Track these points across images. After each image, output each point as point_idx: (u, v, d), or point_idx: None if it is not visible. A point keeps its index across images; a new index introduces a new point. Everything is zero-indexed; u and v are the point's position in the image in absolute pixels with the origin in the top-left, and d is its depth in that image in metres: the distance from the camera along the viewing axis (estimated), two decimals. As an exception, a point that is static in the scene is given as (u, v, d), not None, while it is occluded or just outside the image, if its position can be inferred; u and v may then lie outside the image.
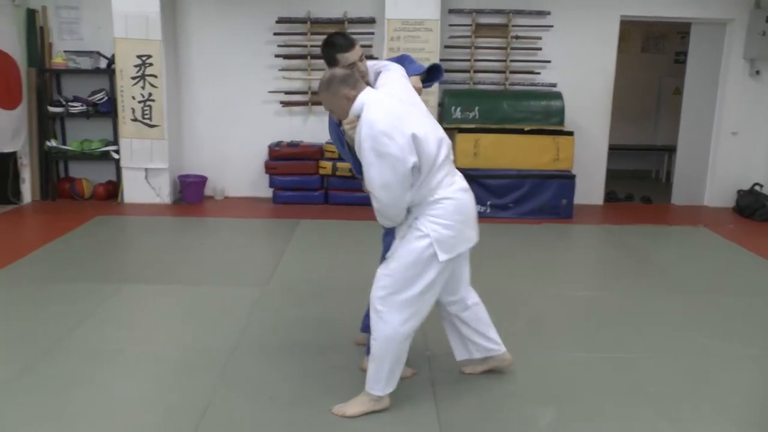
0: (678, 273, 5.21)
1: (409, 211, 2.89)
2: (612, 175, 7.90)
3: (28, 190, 7.25)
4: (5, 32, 6.73)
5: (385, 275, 2.89)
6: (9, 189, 7.03)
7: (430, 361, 3.52)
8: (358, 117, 2.79)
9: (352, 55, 3.05)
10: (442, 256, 2.83)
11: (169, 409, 3.03)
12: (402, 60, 3.34)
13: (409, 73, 3.20)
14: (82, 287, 4.54)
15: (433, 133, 2.85)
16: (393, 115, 2.76)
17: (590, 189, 7.50)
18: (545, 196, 6.84)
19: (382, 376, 2.91)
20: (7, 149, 6.80)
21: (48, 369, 3.37)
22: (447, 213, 2.84)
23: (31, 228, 6.51)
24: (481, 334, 3.23)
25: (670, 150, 9.04)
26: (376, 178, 2.75)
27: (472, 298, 3.23)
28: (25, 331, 3.82)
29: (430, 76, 3.36)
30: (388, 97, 2.87)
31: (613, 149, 7.72)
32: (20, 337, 3.74)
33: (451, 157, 2.97)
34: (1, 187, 6.93)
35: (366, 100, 2.80)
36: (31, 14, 7.20)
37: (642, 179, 9.45)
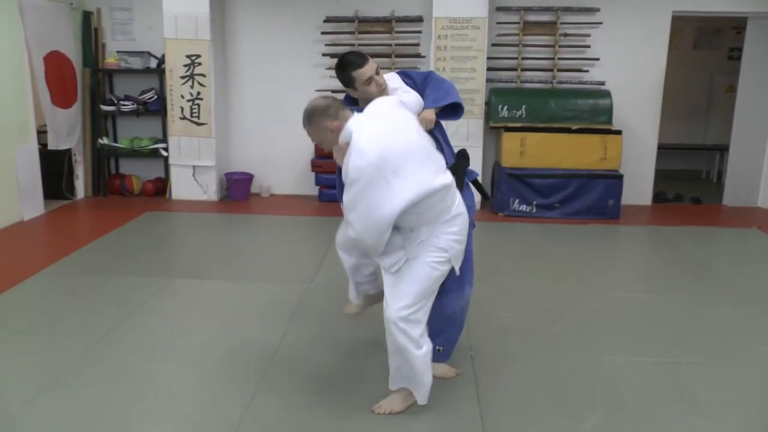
0: (731, 277, 5.06)
1: (411, 229, 2.79)
2: (661, 175, 7.74)
3: (81, 186, 7.46)
4: (63, 35, 6.94)
5: (407, 294, 2.77)
6: (64, 185, 7.24)
7: (473, 361, 3.50)
8: (347, 144, 2.71)
9: (368, 70, 2.98)
10: (457, 267, 2.86)
11: (214, 402, 3.08)
12: (426, 81, 3.15)
13: (426, 105, 3.04)
14: (132, 281, 4.66)
15: (419, 162, 2.73)
16: (383, 144, 2.65)
17: (638, 189, 7.36)
18: (592, 196, 6.74)
19: (422, 380, 2.90)
20: (63, 146, 7.01)
21: (98, 360, 3.46)
22: (462, 229, 2.84)
23: (83, 223, 6.69)
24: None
25: (722, 149, 8.81)
26: (359, 206, 2.65)
27: None
28: (77, 322, 3.94)
29: (446, 111, 3.13)
30: (375, 123, 2.76)
31: (662, 148, 7.56)
32: (72, 328, 3.86)
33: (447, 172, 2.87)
34: (57, 183, 7.15)
35: (354, 127, 2.71)
36: (86, 16, 7.40)
37: (692, 179, 9.24)
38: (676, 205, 7.62)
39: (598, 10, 7.10)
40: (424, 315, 2.83)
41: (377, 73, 3.02)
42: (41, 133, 6.73)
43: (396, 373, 2.92)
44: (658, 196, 7.66)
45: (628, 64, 7.18)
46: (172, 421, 2.92)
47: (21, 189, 6.26)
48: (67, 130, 7.03)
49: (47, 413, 2.95)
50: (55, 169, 7.09)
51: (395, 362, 2.89)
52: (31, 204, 6.45)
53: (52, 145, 6.81)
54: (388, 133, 2.70)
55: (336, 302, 4.35)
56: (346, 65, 3.03)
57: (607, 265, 5.40)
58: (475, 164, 7.02)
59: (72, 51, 7.10)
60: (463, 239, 2.86)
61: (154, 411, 3.00)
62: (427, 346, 2.84)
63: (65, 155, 7.22)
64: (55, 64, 6.76)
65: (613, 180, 6.72)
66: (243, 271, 5.01)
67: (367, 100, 2.97)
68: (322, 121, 2.76)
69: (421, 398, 2.93)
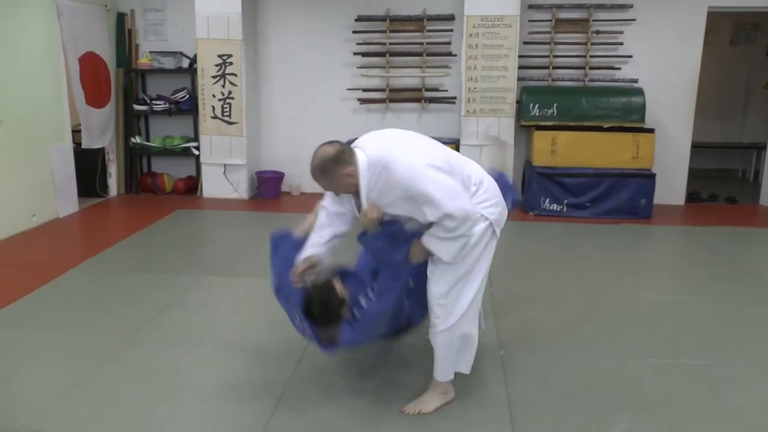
0: (766, 278, 4.96)
1: None
2: (695, 174, 7.61)
3: (114, 184, 7.59)
4: (98, 36, 7.06)
5: (445, 270, 2.82)
6: (97, 183, 7.37)
7: (503, 360, 3.48)
8: (376, 209, 2.70)
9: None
10: (498, 231, 2.90)
11: (243, 399, 3.10)
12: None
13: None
14: (163, 277, 4.72)
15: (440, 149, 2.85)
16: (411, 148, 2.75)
17: (671, 188, 7.25)
18: (624, 195, 6.66)
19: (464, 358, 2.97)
20: (96, 145, 7.13)
21: (129, 356, 3.52)
22: (490, 194, 2.88)
23: (116, 220, 6.80)
24: None
25: (759, 148, 8.64)
26: (440, 194, 2.61)
27: None
28: (109, 318, 4.01)
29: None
30: (387, 137, 2.83)
31: (696, 147, 7.44)
32: (104, 323, 3.92)
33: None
34: (90, 181, 7.27)
35: (375, 154, 2.69)
36: (120, 18, 7.52)
37: (727, 178, 9.06)
38: (711, 204, 7.48)
39: (631, 6, 7.00)
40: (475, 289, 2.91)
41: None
42: (76, 132, 6.86)
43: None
44: (692, 196, 7.53)
45: (662, 62, 7.07)
46: (200, 417, 2.95)
47: (57, 187, 6.39)
48: (101, 129, 7.15)
49: (78, 408, 3.01)
50: (88, 168, 7.22)
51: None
52: (66, 201, 6.58)
53: (86, 144, 6.94)
54: (404, 139, 2.81)
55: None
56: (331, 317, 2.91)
57: (638, 266, 5.33)
58: (507, 163, 6.98)
59: (106, 52, 7.22)
60: (499, 200, 2.91)
61: (182, 407, 3.03)
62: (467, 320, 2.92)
63: (99, 154, 7.34)
64: (89, 64, 6.88)
65: (646, 179, 6.63)
66: (273, 269, 5.04)
67: None
68: (338, 170, 2.69)
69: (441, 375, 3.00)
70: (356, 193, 2.77)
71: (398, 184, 2.63)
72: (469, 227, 2.70)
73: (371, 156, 2.69)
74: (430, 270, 2.86)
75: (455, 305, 2.84)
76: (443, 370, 2.98)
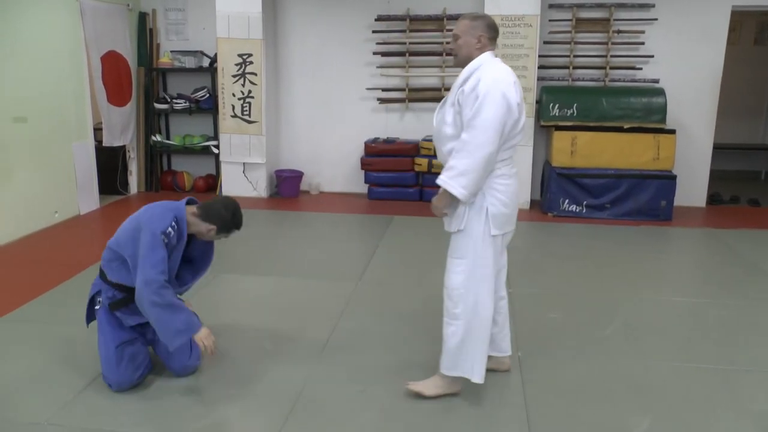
0: (789, 281, 4.90)
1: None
2: (716, 176, 7.53)
3: (134, 182, 7.66)
4: (120, 35, 7.13)
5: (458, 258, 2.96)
6: (118, 180, 7.44)
7: (521, 362, 3.47)
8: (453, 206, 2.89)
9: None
10: (496, 232, 2.92)
11: (260, 397, 3.12)
12: None
13: None
14: (184, 276, 4.74)
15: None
16: (511, 80, 2.86)
17: (692, 190, 7.18)
18: (644, 196, 6.60)
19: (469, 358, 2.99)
20: (117, 143, 7.20)
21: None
22: (506, 189, 2.91)
23: (137, 218, 6.84)
24: (501, 330, 3.26)
25: (783, 149, 8.53)
26: (485, 116, 2.74)
27: (502, 290, 3.24)
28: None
29: None
30: (507, 68, 2.93)
31: (718, 148, 7.36)
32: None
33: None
34: (111, 179, 7.35)
35: (489, 60, 2.88)
36: (142, 17, 7.59)
37: (750, 180, 8.96)
38: (732, 207, 7.39)
39: (653, 5, 6.94)
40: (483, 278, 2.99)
41: None
42: (97, 130, 6.94)
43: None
44: (713, 198, 7.45)
45: (684, 61, 7.00)
46: (216, 415, 2.96)
47: (78, 184, 6.47)
48: (122, 127, 7.22)
49: (98, 402, 3.04)
50: (109, 166, 7.30)
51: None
52: (88, 198, 6.66)
53: (107, 142, 7.01)
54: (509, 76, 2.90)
55: (384, 300, 4.38)
56: (238, 223, 3.26)
57: (658, 268, 5.28)
58: (525, 163, 6.96)
59: (128, 51, 7.29)
60: (510, 202, 2.97)
61: (198, 405, 3.05)
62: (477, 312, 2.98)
63: (120, 152, 7.42)
64: (111, 63, 6.95)
65: (666, 180, 6.57)
66: (291, 268, 5.06)
67: (194, 232, 3.22)
68: (481, 30, 2.90)
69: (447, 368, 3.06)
70: (456, 64, 3.01)
71: (473, 86, 2.81)
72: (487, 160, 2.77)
73: (488, 61, 2.90)
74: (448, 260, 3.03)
75: (460, 297, 2.95)
76: (444, 363, 3.04)
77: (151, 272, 2.92)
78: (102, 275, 3.21)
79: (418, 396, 3.06)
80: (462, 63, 2.95)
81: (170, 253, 3.06)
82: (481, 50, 2.90)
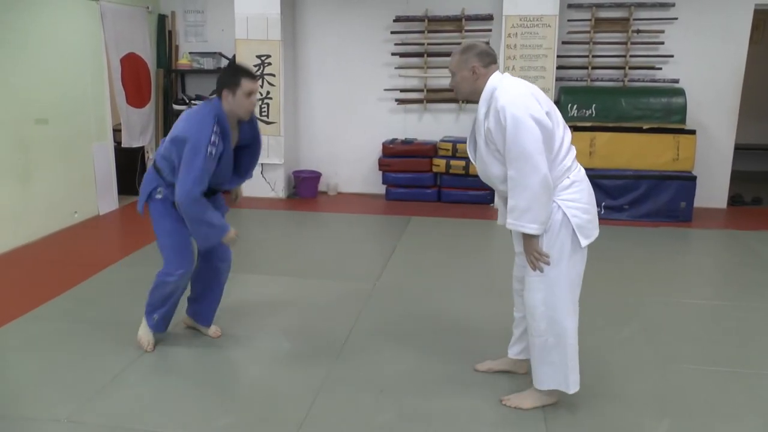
0: (812, 283, 4.83)
1: None
2: (738, 177, 7.44)
3: (154, 183, 7.70)
4: (139, 37, 7.19)
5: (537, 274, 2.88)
6: (137, 181, 7.49)
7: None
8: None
9: (256, 87, 3.25)
10: (584, 243, 2.83)
11: (278, 397, 3.12)
12: None
13: None
14: (202, 276, 4.77)
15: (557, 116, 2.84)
16: (528, 93, 2.76)
17: (713, 191, 7.10)
18: (663, 197, 6.54)
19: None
20: (136, 144, 7.25)
21: (164, 352, 3.57)
22: (582, 196, 2.82)
23: (156, 219, 6.89)
24: (522, 333, 3.23)
25: (806, 150, 8.41)
26: (525, 139, 2.65)
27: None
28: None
29: None
30: (518, 81, 2.84)
31: (739, 149, 7.26)
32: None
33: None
34: (130, 180, 7.40)
35: (498, 84, 2.79)
36: (161, 19, 7.65)
37: (772, 181, 8.85)
38: (754, 208, 7.30)
39: (673, 5, 6.87)
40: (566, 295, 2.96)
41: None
42: (116, 131, 6.99)
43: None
44: (735, 199, 7.36)
45: (705, 61, 6.93)
46: (235, 414, 2.97)
47: (98, 185, 6.53)
48: (141, 128, 7.28)
49: (117, 400, 3.06)
50: (128, 166, 7.34)
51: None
52: (107, 199, 6.72)
53: (126, 143, 7.06)
54: (528, 89, 2.80)
55: (402, 300, 4.37)
56: (239, 69, 3.24)
57: (677, 270, 5.23)
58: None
59: (147, 53, 7.34)
60: (589, 208, 2.87)
61: (217, 404, 3.06)
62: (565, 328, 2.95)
63: (138, 153, 7.46)
64: (131, 65, 7.01)
65: (686, 181, 6.50)
66: (309, 268, 5.07)
67: (234, 115, 3.23)
68: (473, 61, 2.81)
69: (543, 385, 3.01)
70: (461, 98, 2.96)
71: (492, 112, 2.74)
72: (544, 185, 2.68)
73: (501, 81, 2.81)
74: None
75: (541, 313, 2.90)
76: (536, 378, 2.99)
77: (189, 185, 3.12)
78: (157, 170, 3.38)
79: (518, 409, 3.01)
80: (467, 97, 2.90)
81: (222, 153, 3.21)
82: (482, 79, 2.82)
